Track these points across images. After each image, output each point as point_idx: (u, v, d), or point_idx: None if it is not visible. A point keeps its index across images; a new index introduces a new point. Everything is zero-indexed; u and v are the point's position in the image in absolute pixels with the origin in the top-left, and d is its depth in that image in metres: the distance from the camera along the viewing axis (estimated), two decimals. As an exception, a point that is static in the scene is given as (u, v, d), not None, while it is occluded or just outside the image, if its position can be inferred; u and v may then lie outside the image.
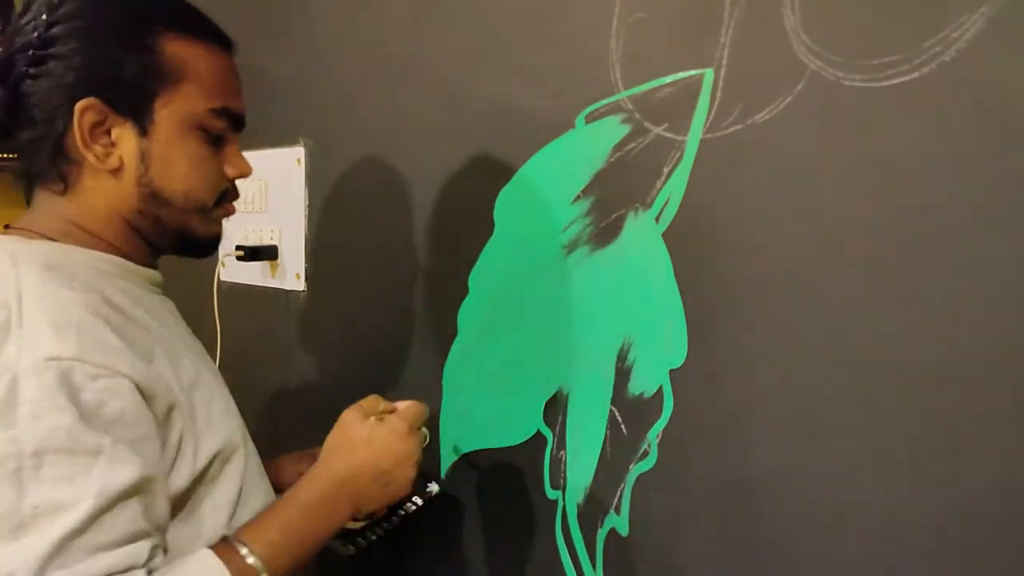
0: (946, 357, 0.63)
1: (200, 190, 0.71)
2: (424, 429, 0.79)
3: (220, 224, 0.76)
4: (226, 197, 0.75)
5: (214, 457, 0.67)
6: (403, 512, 0.89)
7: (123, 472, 0.56)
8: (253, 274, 1.31)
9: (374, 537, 0.85)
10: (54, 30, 0.63)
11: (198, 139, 0.69)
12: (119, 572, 0.55)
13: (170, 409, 0.63)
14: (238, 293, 1.33)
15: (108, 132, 0.66)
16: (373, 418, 0.77)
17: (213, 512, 0.67)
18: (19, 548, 0.52)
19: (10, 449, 0.53)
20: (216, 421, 0.68)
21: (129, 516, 0.56)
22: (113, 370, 0.57)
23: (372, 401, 0.80)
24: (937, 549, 0.64)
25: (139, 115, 0.66)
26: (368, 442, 0.74)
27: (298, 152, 1.19)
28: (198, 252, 0.75)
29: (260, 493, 0.73)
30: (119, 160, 0.66)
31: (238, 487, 0.69)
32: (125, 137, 0.66)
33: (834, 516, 0.69)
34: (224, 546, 0.64)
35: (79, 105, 0.63)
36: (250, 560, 0.63)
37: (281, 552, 0.66)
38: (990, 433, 0.61)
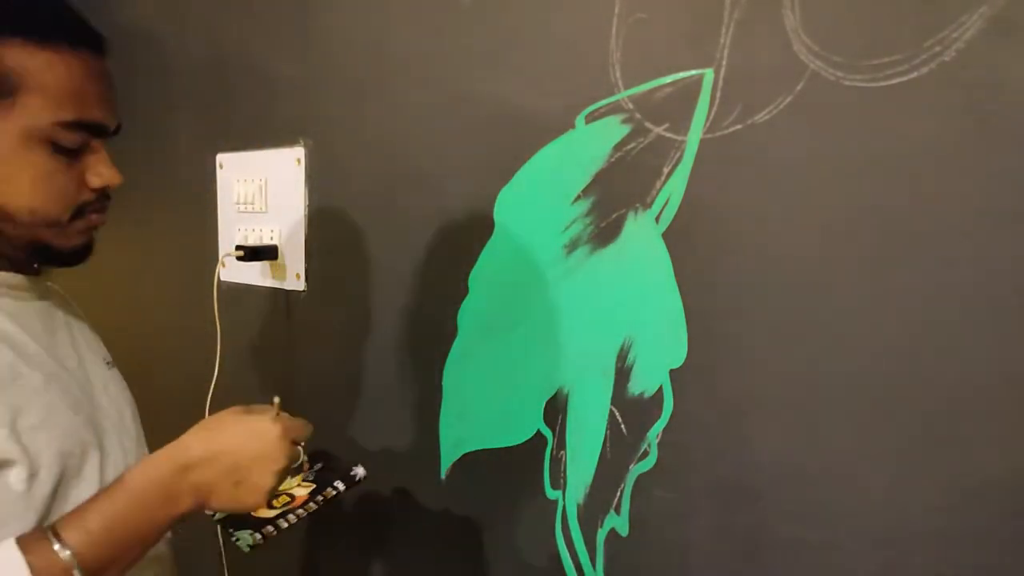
0: (946, 355, 0.63)
1: (48, 206, 0.66)
2: (301, 449, 0.70)
3: (84, 235, 0.71)
4: (87, 209, 0.69)
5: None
6: (323, 497, 0.86)
7: None
8: (253, 274, 1.31)
9: (286, 525, 0.81)
10: None
11: (46, 153, 0.64)
12: None
13: None
14: (238, 293, 1.33)
15: None
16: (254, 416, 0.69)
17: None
18: None
19: None
20: (22, 429, 0.64)
21: None
22: None
23: (263, 406, 0.73)
24: (937, 546, 0.64)
25: None
26: (233, 432, 0.67)
27: (298, 152, 1.19)
28: (60, 264, 0.71)
29: None
30: None
31: (44, 505, 0.65)
32: None
33: (834, 515, 0.69)
34: (31, 537, 0.59)
35: None
36: (62, 553, 0.58)
37: (100, 543, 0.60)
38: (989, 428, 0.61)
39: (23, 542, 0.58)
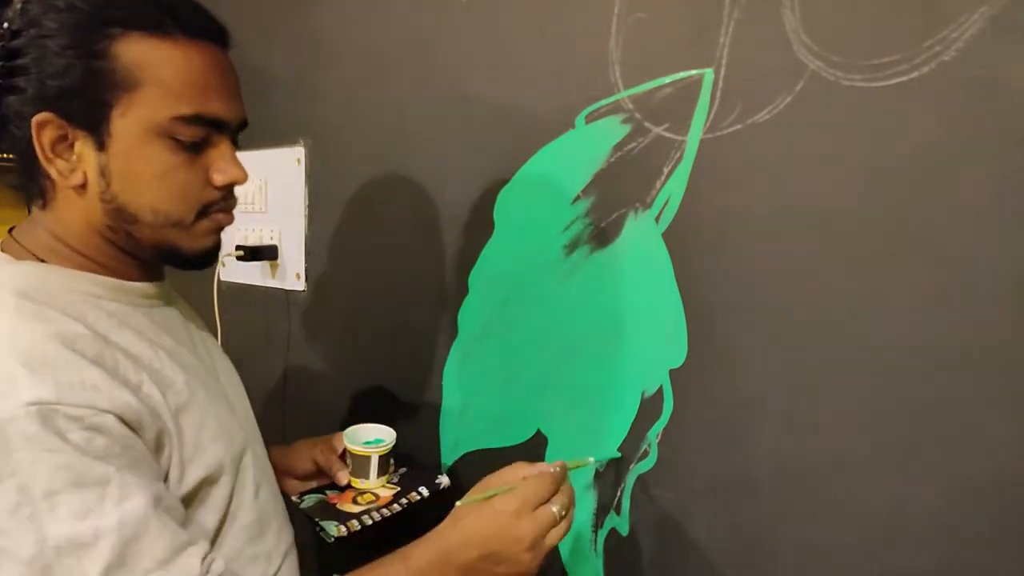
0: (946, 354, 0.63)
1: (170, 205, 0.64)
2: (554, 508, 0.70)
3: (211, 236, 0.69)
4: (211, 208, 0.67)
5: (199, 483, 0.64)
6: (407, 500, 0.89)
7: (136, 496, 0.55)
8: (253, 274, 1.31)
9: (370, 522, 0.85)
10: (16, 41, 0.59)
11: (167, 148, 0.62)
12: None
13: (159, 435, 0.61)
14: (238, 293, 1.33)
15: (72, 147, 0.61)
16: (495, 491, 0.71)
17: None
18: None
19: (20, 496, 0.52)
20: (205, 446, 0.65)
21: (166, 532, 0.56)
22: (94, 408, 0.55)
23: (513, 470, 0.73)
24: (937, 546, 0.64)
25: (95, 128, 0.60)
26: (480, 516, 0.70)
27: (298, 152, 1.19)
28: (187, 266, 0.69)
29: (253, 510, 0.71)
30: (83, 176, 0.62)
31: (223, 508, 0.67)
32: (87, 152, 0.61)
33: (833, 514, 0.69)
34: None
35: (35, 120, 0.59)
36: None
37: None
38: (989, 428, 0.61)
39: None
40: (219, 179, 0.66)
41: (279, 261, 1.26)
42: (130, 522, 0.54)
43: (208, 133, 0.64)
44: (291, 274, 1.24)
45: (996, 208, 0.60)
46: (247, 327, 1.33)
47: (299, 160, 1.19)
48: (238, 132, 0.69)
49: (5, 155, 0.64)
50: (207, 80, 0.63)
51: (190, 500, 0.64)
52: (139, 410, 0.59)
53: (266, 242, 1.26)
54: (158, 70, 0.60)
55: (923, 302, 0.63)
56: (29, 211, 0.68)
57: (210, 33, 0.64)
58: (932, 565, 0.65)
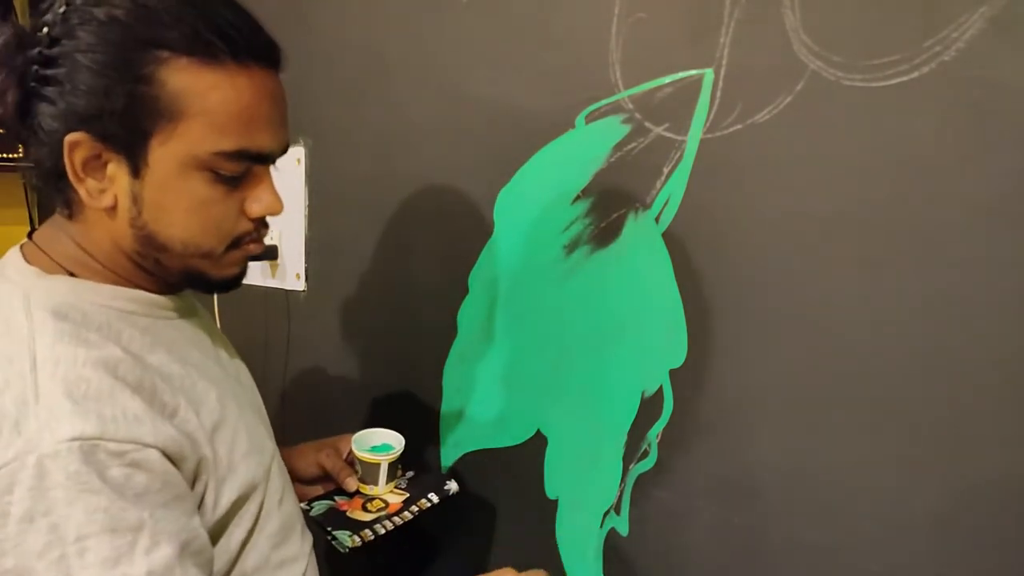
0: (946, 354, 0.63)
1: (202, 238, 0.61)
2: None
3: (239, 265, 0.66)
4: (244, 240, 0.64)
5: (233, 504, 0.63)
6: (417, 508, 0.88)
7: (165, 545, 0.53)
8: (253, 274, 1.31)
9: (383, 531, 0.84)
10: (56, 48, 0.56)
11: (205, 181, 0.59)
12: None
13: (198, 464, 0.59)
14: (238, 293, 1.33)
15: (104, 166, 0.58)
16: None
17: (223, 554, 0.63)
18: None
19: (51, 537, 0.50)
20: (237, 464, 0.63)
21: None
22: (138, 443, 0.54)
23: (502, 573, 0.73)
24: (938, 546, 0.64)
25: (131, 154, 0.57)
26: None
27: (298, 152, 1.19)
28: (211, 291, 0.67)
29: (278, 517, 0.69)
30: (113, 198, 0.59)
31: (253, 520, 0.66)
32: (119, 175, 0.58)
33: (834, 515, 0.69)
34: None
35: (68, 139, 0.56)
36: None
37: None
38: (989, 428, 0.61)
39: None
40: (256, 209, 0.64)
41: (279, 261, 1.26)
42: (157, 571, 0.52)
43: (249, 167, 0.62)
44: (291, 274, 1.24)
45: (996, 208, 0.60)
46: (247, 327, 1.33)
47: (299, 160, 1.19)
48: (279, 157, 0.66)
49: (6, 155, 0.63)
50: (255, 111, 0.59)
51: (225, 523, 0.62)
52: (181, 442, 0.57)
53: (266, 242, 1.26)
54: (205, 100, 0.56)
55: (923, 301, 0.63)
56: (28, 211, 0.66)
57: (263, 56, 0.61)
58: (932, 565, 0.65)
